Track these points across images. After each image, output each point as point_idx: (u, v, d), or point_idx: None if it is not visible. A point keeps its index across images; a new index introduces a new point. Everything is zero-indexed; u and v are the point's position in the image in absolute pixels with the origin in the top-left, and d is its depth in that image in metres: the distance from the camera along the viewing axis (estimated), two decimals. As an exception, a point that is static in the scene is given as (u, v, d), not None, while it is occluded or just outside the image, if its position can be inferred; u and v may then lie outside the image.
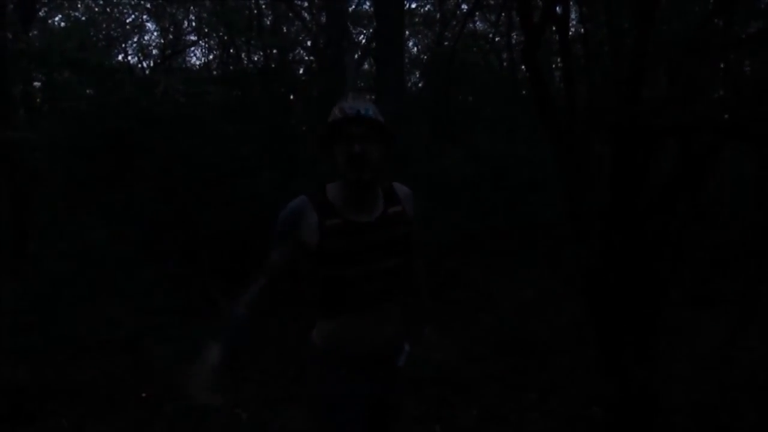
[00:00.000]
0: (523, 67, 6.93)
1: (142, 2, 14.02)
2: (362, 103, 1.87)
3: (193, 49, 16.09)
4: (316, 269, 1.90)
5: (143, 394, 4.04)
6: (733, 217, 6.29)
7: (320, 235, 1.85)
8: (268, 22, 13.64)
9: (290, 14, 14.19)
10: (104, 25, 14.61)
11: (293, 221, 1.87)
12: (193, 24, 14.81)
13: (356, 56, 12.60)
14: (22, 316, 4.60)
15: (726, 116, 3.74)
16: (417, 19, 15.13)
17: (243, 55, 12.82)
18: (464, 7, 12.68)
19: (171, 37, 15.11)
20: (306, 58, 14.08)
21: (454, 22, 13.07)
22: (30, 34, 8.55)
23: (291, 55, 13.63)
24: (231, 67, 12.43)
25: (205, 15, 13.34)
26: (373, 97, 10.17)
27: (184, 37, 15.34)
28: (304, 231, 1.86)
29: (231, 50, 13.20)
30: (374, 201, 1.95)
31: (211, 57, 15.75)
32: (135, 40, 15.60)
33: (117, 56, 14.75)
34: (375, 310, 1.93)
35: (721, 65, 4.54)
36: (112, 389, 4.07)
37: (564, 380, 4.01)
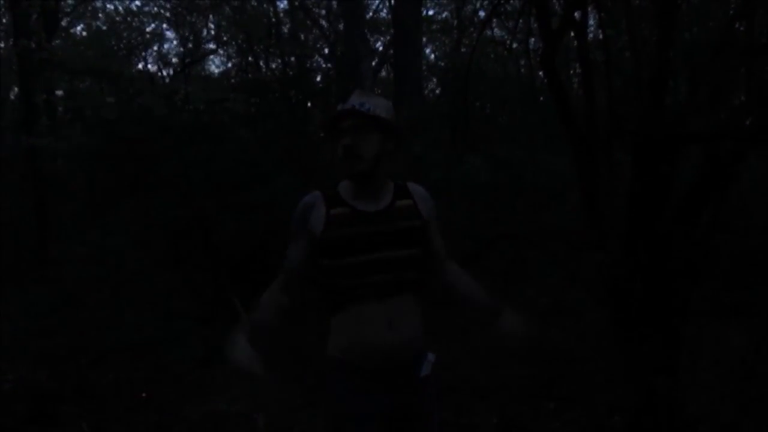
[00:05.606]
0: (541, 73, 6.91)
1: (162, 11, 14.19)
2: (365, 97, 1.90)
3: (212, 57, 16.25)
4: (324, 262, 1.89)
5: (143, 394, 4.06)
6: (758, 226, 6.17)
7: (326, 223, 1.87)
8: (286, 30, 13.74)
9: (308, 22, 14.29)
10: (125, 34, 14.82)
11: (304, 215, 1.90)
12: (212, 32, 14.96)
13: (374, 63, 12.64)
14: (44, 320, 4.67)
15: (748, 122, 3.68)
16: (434, 26, 15.15)
17: (261, 62, 12.92)
18: (482, 13, 12.69)
19: (190, 45, 15.26)
20: (324, 65, 14.16)
21: (472, 29, 13.07)
22: (53, 43, 8.68)
23: (309, 62, 13.70)
24: (249, 75, 12.53)
25: (224, 23, 13.49)
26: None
27: (203, 46, 15.49)
28: (313, 222, 1.88)
29: (249, 58, 13.31)
30: (381, 193, 1.94)
31: (229, 65, 15.90)
32: (155, 48, 15.80)
33: (137, 65, 14.96)
34: (386, 304, 1.86)
35: (743, 70, 4.48)
36: (131, 393, 4.09)
37: (584, 389, 3.96)
